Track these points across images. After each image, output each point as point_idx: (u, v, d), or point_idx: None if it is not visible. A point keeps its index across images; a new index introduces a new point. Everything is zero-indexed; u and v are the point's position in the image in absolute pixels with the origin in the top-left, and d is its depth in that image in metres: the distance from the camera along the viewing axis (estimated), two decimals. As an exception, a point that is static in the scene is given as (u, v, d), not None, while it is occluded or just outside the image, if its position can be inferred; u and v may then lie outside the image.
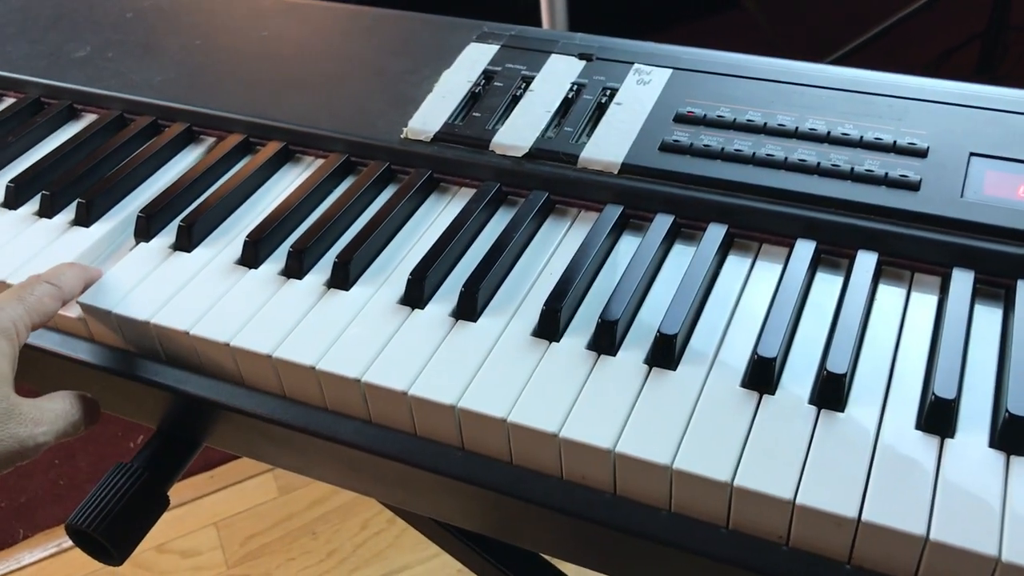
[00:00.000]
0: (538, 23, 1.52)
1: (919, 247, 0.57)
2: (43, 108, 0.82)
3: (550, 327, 0.55)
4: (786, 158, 0.61)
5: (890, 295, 0.56)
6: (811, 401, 0.50)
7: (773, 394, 0.51)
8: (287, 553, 1.52)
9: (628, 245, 0.62)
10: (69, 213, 0.70)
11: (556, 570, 0.84)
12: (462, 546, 0.84)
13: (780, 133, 0.63)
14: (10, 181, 0.72)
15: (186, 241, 0.65)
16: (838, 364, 0.50)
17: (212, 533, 1.56)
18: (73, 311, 0.62)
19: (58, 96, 0.81)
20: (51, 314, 0.59)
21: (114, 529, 0.58)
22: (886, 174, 0.59)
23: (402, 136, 0.69)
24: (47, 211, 0.70)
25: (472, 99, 0.71)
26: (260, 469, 1.63)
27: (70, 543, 1.55)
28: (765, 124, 0.64)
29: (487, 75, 0.73)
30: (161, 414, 0.63)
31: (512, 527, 0.56)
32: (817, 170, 0.60)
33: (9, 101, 0.84)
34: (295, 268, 0.62)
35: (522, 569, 0.83)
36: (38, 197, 0.71)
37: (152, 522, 0.62)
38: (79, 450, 1.68)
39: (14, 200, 0.71)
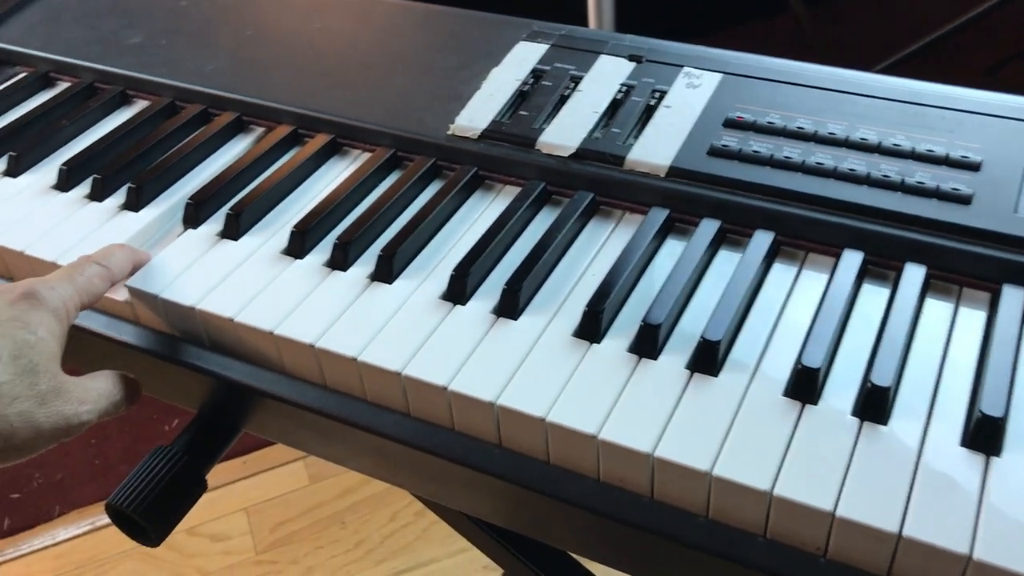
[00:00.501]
0: (585, 23, 1.52)
1: (969, 262, 0.56)
2: (96, 93, 0.83)
3: (592, 328, 0.55)
4: (835, 167, 0.61)
5: (937, 309, 0.56)
6: (854, 413, 0.50)
7: (816, 404, 0.50)
8: (316, 541, 1.53)
9: (673, 249, 0.61)
10: (119, 197, 0.71)
11: (584, 569, 0.84)
12: (492, 542, 0.84)
13: (830, 142, 0.63)
14: (63, 164, 0.73)
15: (234, 229, 0.66)
16: (883, 377, 0.49)
17: (242, 518, 1.57)
18: (120, 294, 0.63)
19: (111, 82, 0.82)
20: (100, 295, 0.60)
21: (153, 511, 0.59)
22: (937, 187, 0.58)
23: (449, 132, 0.70)
24: (98, 194, 0.71)
25: (520, 97, 0.71)
26: (292, 457, 1.65)
27: (104, 521, 1.58)
28: (815, 132, 0.63)
29: (536, 74, 0.73)
30: (202, 399, 0.64)
31: (545, 526, 0.56)
32: (867, 180, 0.60)
33: (64, 85, 0.85)
34: (340, 260, 0.62)
35: (551, 567, 0.83)
36: (89, 180, 0.72)
37: (190, 505, 0.63)
38: (115, 431, 1.71)
39: (66, 183, 0.73)
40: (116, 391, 0.58)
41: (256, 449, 1.65)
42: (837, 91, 0.67)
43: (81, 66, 0.83)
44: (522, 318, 0.57)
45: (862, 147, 0.62)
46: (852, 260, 0.58)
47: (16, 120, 0.80)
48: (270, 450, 1.65)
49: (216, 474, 0.63)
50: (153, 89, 0.80)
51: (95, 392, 0.56)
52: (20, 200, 0.72)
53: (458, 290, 0.59)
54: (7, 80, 0.86)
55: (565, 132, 0.67)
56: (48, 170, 0.75)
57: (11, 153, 0.75)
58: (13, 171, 0.75)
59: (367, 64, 0.77)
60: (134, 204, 0.69)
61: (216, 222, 0.67)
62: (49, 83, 0.86)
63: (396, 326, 0.58)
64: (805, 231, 0.60)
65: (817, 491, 0.46)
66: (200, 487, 0.63)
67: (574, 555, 0.82)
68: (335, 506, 1.58)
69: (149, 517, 0.59)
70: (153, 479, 0.60)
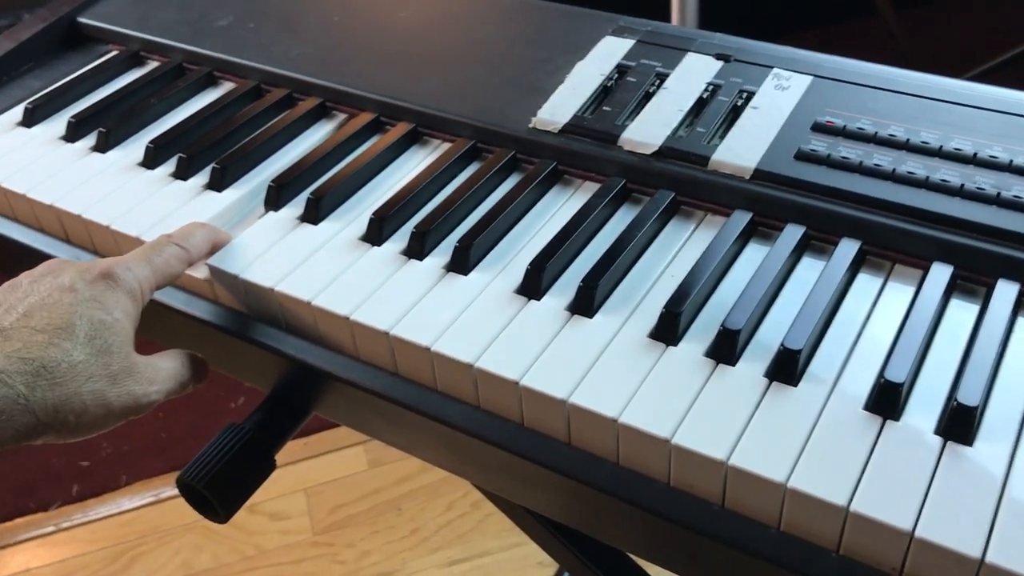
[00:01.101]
0: (667, 19, 1.50)
1: (1066, 281, 0.54)
2: (185, 73, 0.84)
3: (668, 330, 0.54)
4: (927, 177, 0.59)
5: (1030, 329, 0.54)
6: (937, 432, 0.48)
7: (897, 421, 0.49)
8: (372, 526, 1.55)
9: (754, 253, 0.60)
10: (203, 177, 0.72)
11: (642, 570, 0.84)
12: (551, 538, 0.83)
13: (923, 151, 0.61)
14: (150, 142, 0.75)
15: (314, 214, 0.66)
16: (970, 396, 0.48)
17: (302, 499, 1.60)
18: (201, 272, 0.64)
19: (199, 63, 0.84)
20: (176, 276, 0.61)
21: (223, 488, 0.60)
22: (1035, 202, 0.56)
23: (530, 125, 0.69)
24: (182, 173, 0.72)
25: (603, 93, 0.71)
26: (352, 440, 1.67)
27: (168, 492, 1.62)
28: (907, 140, 0.61)
29: (620, 69, 0.72)
30: (276, 379, 0.65)
31: (609, 526, 0.56)
32: (960, 192, 0.58)
33: (153, 64, 0.87)
34: (416, 249, 0.63)
35: (608, 566, 0.83)
36: (175, 159, 0.73)
37: (258, 484, 0.63)
38: (182, 406, 1.74)
39: (152, 160, 0.74)
40: (184, 371, 0.60)
41: (318, 431, 1.67)
42: (931, 99, 0.65)
43: (171, 46, 0.85)
44: (597, 316, 0.57)
45: (956, 158, 0.60)
46: (941, 274, 0.56)
47: (106, 97, 0.82)
48: (331, 433, 1.67)
49: (277, 454, 0.65)
50: (240, 72, 0.81)
51: (164, 372, 0.58)
52: (108, 175, 0.73)
53: (533, 285, 0.59)
54: (99, 58, 0.88)
55: (648, 129, 0.66)
56: (135, 147, 0.76)
57: (101, 129, 0.77)
58: (102, 146, 0.76)
59: (451, 54, 0.77)
60: (217, 184, 0.70)
61: (297, 206, 0.68)
62: (139, 62, 0.88)
63: (470, 318, 0.58)
64: (893, 241, 0.58)
65: (895, 510, 0.45)
66: (269, 466, 0.64)
67: (632, 556, 0.82)
68: (393, 492, 1.59)
69: (219, 494, 0.60)
70: (224, 456, 0.61)
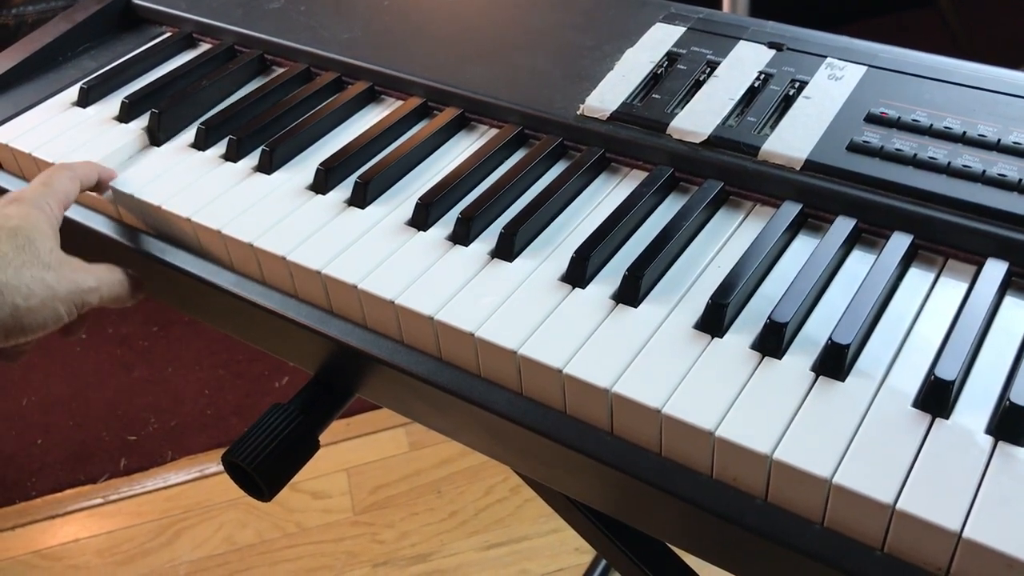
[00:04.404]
0: (719, 6, 1.49)
1: None
2: (236, 56, 0.85)
3: (714, 322, 0.54)
4: (984, 171, 0.58)
5: (1087, 328, 0.52)
6: (988, 431, 0.47)
7: (947, 419, 0.48)
8: (411, 508, 1.56)
9: (804, 245, 0.59)
10: (252, 159, 0.73)
11: (680, 560, 0.83)
12: (590, 525, 0.83)
13: (980, 144, 0.60)
14: (201, 123, 0.75)
15: (361, 197, 0.66)
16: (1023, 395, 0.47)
17: (343, 478, 1.61)
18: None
19: (251, 45, 0.84)
20: (73, 195, 0.67)
21: (268, 467, 0.61)
22: (1096, 198, 0.55)
23: (578, 112, 0.69)
24: (232, 155, 0.73)
25: (653, 80, 0.70)
26: (393, 422, 1.68)
27: (213, 469, 1.64)
28: (964, 133, 0.60)
29: (671, 57, 0.71)
30: (321, 362, 0.65)
31: (649, 516, 0.56)
32: (1018, 187, 0.57)
33: (205, 46, 0.88)
34: (462, 235, 0.63)
35: (645, 555, 0.82)
36: (225, 141, 0.74)
37: (302, 464, 0.64)
38: (228, 384, 1.77)
39: (203, 142, 0.75)
40: (120, 277, 0.65)
41: (360, 412, 1.69)
42: (989, 90, 0.63)
43: (223, 28, 0.86)
44: (642, 306, 0.56)
45: (1015, 152, 0.59)
46: (995, 270, 0.55)
47: (159, 78, 0.83)
48: (373, 414, 1.69)
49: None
50: (290, 55, 0.82)
51: (102, 273, 0.64)
52: (160, 156, 0.74)
53: (578, 273, 0.59)
54: (153, 39, 0.90)
55: (698, 118, 0.65)
56: (187, 128, 0.77)
57: (153, 110, 0.78)
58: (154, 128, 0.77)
59: (500, 40, 0.77)
60: (267, 167, 0.71)
61: (344, 189, 0.68)
62: (192, 44, 0.89)
63: (514, 305, 0.58)
64: (946, 236, 0.57)
65: (944, 510, 0.44)
66: (313, 447, 0.65)
67: (671, 546, 0.82)
68: (432, 475, 1.60)
69: (264, 473, 0.60)
70: (270, 436, 0.61)
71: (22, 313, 0.57)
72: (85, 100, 0.82)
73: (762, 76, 0.68)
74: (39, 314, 0.58)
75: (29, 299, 0.57)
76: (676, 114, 0.66)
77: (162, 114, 0.77)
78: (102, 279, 0.64)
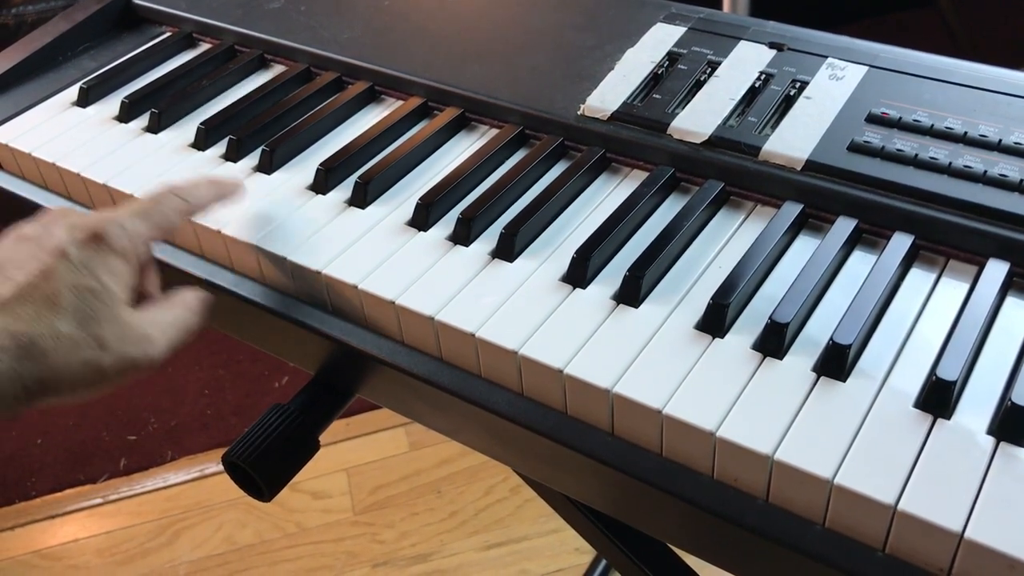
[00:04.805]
0: (719, 6, 1.49)
1: None
2: (236, 56, 0.85)
3: (715, 322, 0.54)
4: (985, 172, 0.58)
5: (1089, 329, 0.52)
6: (990, 432, 0.47)
7: (948, 419, 0.48)
8: (411, 507, 1.56)
9: (805, 245, 0.59)
10: (252, 159, 0.73)
11: (680, 560, 0.83)
12: (590, 526, 0.83)
13: (981, 144, 0.60)
14: (201, 123, 0.75)
15: (361, 198, 0.66)
16: (1025, 396, 0.47)
17: (343, 479, 1.61)
18: (249, 255, 0.65)
19: (251, 45, 0.84)
20: (175, 228, 0.59)
21: (268, 467, 0.61)
22: (1098, 198, 0.55)
23: (579, 112, 0.69)
24: (232, 155, 0.73)
25: (654, 80, 0.70)
26: (393, 422, 1.68)
27: (213, 469, 1.64)
28: (965, 133, 0.60)
29: (671, 57, 0.71)
30: (322, 362, 0.65)
31: (650, 517, 0.55)
32: (1019, 187, 0.57)
33: (205, 46, 0.87)
34: (463, 235, 0.63)
35: (646, 555, 0.82)
36: (225, 141, 0.74)
37: (302, 464, 0.64)
38: (228, 384, 1.77)
39: (203, 142, 0.75)
40: (188, 316, 0.58)
41: (360, 412, 1.69)
42: (990, 91, 0.63)
43: (223, 28, 0.86)
44: (643, 306, 0.56)
45: (1016, 152, 0.58)
46: (997, 270, 0.55)
47: (159, 78, 0.83)
48: (373, 414, 1.69)
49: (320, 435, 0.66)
50: (290, 55, 0.82)
51: (162, 326, 0.56)
52: (160, 156, 0.74)
53: (579, 273, 0.59)
54: (153, 39, 0.90)
55: (699, 118, 0.65)
56: (187, 128, 0.77)
57: (153, 110, 0.78)
58: (154, 127, 0.77)
59: (500, 40, 0.77)
60: (267, 167, 0.71)
61: (344, 190, 0.68)
62: (192, 43, 0.89)
63: (515, 305, 0.58)
64: (948, 237, 0.57)
65: (946, 510, 0.44)
66: (313, 447, 0.64)
67: (672, 546, 0.82)
68: (432, 475, 1.60)
69: (264, 473, 0.60)
70: (270, 436, 0.61)
71: (67, 395, 0.51)
72: (85, 100, 0.82)
73: (763, 76, 0.68)
74: (88, 393, 0.52)
75: (76, 385, 0.51)
76: (677, 114, 0.66)
77: (162, 114, 0.77)
78: (161, 338, 0.56)
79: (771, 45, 0.70)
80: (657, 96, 0.68)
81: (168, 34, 0.89)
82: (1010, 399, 0.47)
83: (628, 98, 0.68)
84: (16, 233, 0.56)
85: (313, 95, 0.77)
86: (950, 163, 0.58)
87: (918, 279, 0.56)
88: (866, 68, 0.67)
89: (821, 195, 0.60)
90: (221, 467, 0.63)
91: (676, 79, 0.69)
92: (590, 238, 0.60)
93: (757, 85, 0.67)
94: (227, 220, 0.66)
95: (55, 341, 0.50)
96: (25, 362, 0.49)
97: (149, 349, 0.55)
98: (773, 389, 0.50)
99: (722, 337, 0.54)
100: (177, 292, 0.59)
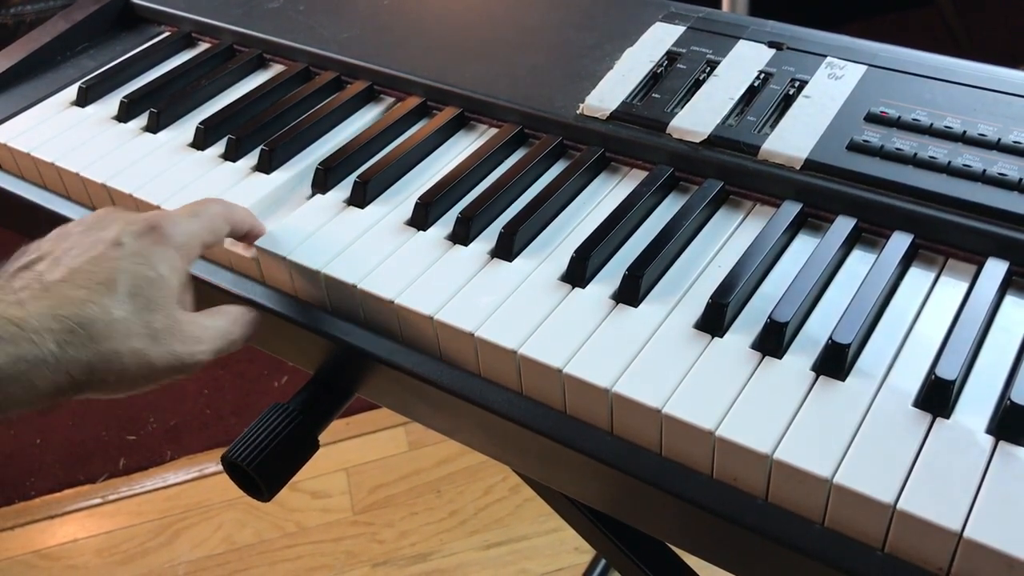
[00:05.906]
0: (718, 5, 1.49)
1: None
2: (235, 55, 0.85)
3: (714, 321, 0.54)
4: (984, 171, 0.58)
5: (1088, 328, 0.52)
6: (989, 431, 0.47)
7: (947, 418, 0.48)
8: (411, 507, 1.56)
9: (804, 245, 0.59)
10: (252, 159, 0.72)
11: (679, 559, 0.83)
12: (590, 525, 0.83)
13: (980, 143, 0.60)
14: (200, 123, 0.75)
15: (360, 197, 0.66)
16: (1024, 395, 0.47)
17: (342, 478, 1.61)
18: (248, 253, 0.65)
19: (250, 45, 0.84)
20: (222, 235, 0.60)
21: (268, 467, 0.61)
22: (1097, 197, 0.55)
23: (578, 112, 0.69)
24: (232, 155, 0.73)
25: (653, 80, 0.70)
26: (393, 422, 1.68)
27: (212, 468, 1.64)
28: (964, 133, 0.60)
29: (670, 56, 0.71)
30: (321, 361, 0.65)
31: (649, 516, 0.55)
32: (1018, 186, 0.57)
33: (204, 46, 0.87)
34: (462, 234, 0.63)
35: (645, 554, 0.82)
36: (224, 140, 0.74)
37: (301, 463, 0.64)
38: (227, 383, 1.77)
39: (202, 141, 0.75)
40: (234, 328, 0.58)
41: (359, 412, 1.69)
42: (989, 90, 0.63)
43: (222, 28, 0.86)
44: (642, 305, 0.56)
45: (1015, 151, 0.59)
46: (996, 269, 0.55)
47: (158, 78, 0.83)
48: (372, 414, 1.69)
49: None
50: (289, 54, 0.82)
51: (212, 331, 0.56)
52: (159, 156, 0.74)
53: (578, 272, 0.59)
54: (152, 38, 0.89)
55: (698, 117, 0.65)
56: (186, 128, 0.77)
57: (152, 110, 0.77)
58: (153, 127, 0.77)
59: (499, 39, 0.77)
60: (266, 166, 0.71)
61: (343, 189, 0.68)
62: (191, 43, 0.89)
63: (514, 304, 0.58)
64: (947, 236, 0.57)
65: (945, 509, 0.44)
66: (313, 447, 0.64)
67: (671, 546, 0.82)
68: (432, 474, 1.60)
69: (264, 473, 0.60)
70: (269, 436, 0.61)
71: (111, 385, 0.51)
72: (84, 99, 0.81)
73: (762, 75, 0.68)
74: (131, 386, 0.52)
75: (122, 375, 0.50)
76: (676, 113, 0.66)
77: (161, 114, 0.77)
78: (209, 343, 0.56)
79: (770, 44, 0.70)
80: (656, 95, 0.68)
81: (167, 34, 0.89)
82: (1009, 398, 0.47)
83: (627, 97, 0.68)
84: (63, 228, 0.55)
85: (312, 95, 0.77)
86: (949, 162, 0.59)
87: (917, 278, 0.56)
88: (865, 67, 0.67)
89: (820, 194, 0.60)
90: (220, 467, 0.63)
91: (675, 78, 0.69)
92: (589, 237, 0.60)
93: (756, 84, 0.67)
94: (226, 220, 0.66)
95: (107, 326, 0.50)
96: (68, 347, 0.48)
97: (196, 351, 0.54)
98: (772, 388, 0.50)
99: (721, 336, 0.54)
100: (225, 306, 0.59)
